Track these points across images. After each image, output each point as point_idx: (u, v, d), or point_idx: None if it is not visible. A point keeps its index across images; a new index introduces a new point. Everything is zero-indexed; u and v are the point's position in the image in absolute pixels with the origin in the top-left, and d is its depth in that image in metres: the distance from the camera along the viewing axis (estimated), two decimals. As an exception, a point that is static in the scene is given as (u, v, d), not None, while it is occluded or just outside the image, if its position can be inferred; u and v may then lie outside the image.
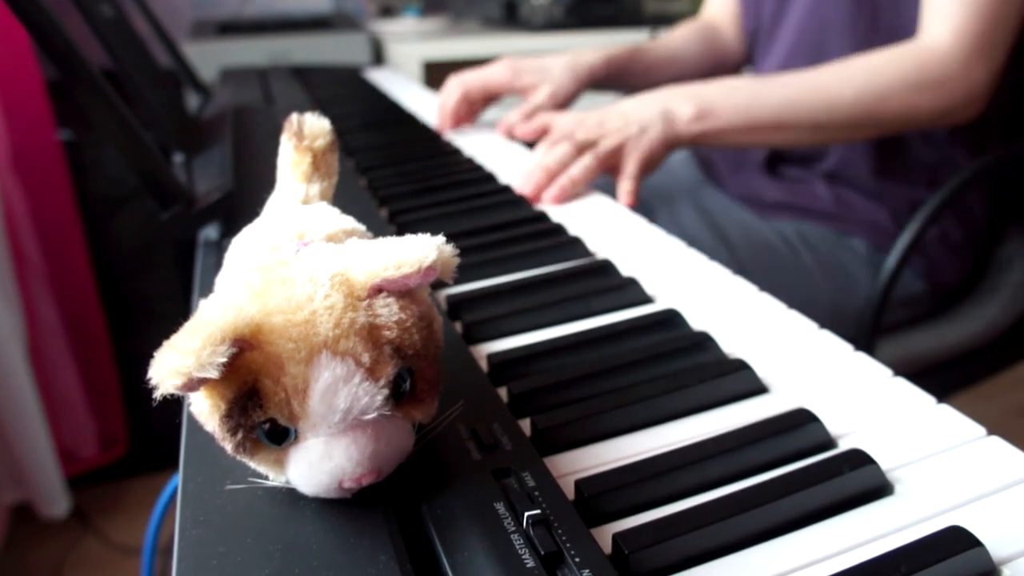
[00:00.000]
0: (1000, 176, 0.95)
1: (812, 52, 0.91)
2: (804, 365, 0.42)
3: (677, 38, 1.08)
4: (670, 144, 0.76)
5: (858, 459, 0.32)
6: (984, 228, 0.93)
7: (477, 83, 0.95)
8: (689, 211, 0.93)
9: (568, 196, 0.70)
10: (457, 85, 0.96)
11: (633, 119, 0.75)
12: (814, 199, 0.89)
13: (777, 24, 0.96)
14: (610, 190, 0.75)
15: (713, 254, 0.83)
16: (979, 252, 0.94)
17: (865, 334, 0.79)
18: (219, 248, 0.58)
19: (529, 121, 0.85)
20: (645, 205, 0.68)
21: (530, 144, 0.91)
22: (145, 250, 1.43)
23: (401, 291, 0.29)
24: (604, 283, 0.51)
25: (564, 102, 0.95)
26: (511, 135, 0.91)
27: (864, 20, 0.86)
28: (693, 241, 0.85)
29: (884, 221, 0.86)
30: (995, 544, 0.28)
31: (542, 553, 0.27)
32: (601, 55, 0.98)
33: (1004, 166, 0.90)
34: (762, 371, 0.40)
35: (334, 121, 0.42)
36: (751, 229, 0.88)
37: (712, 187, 1.01)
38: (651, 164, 0.76)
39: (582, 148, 0.73)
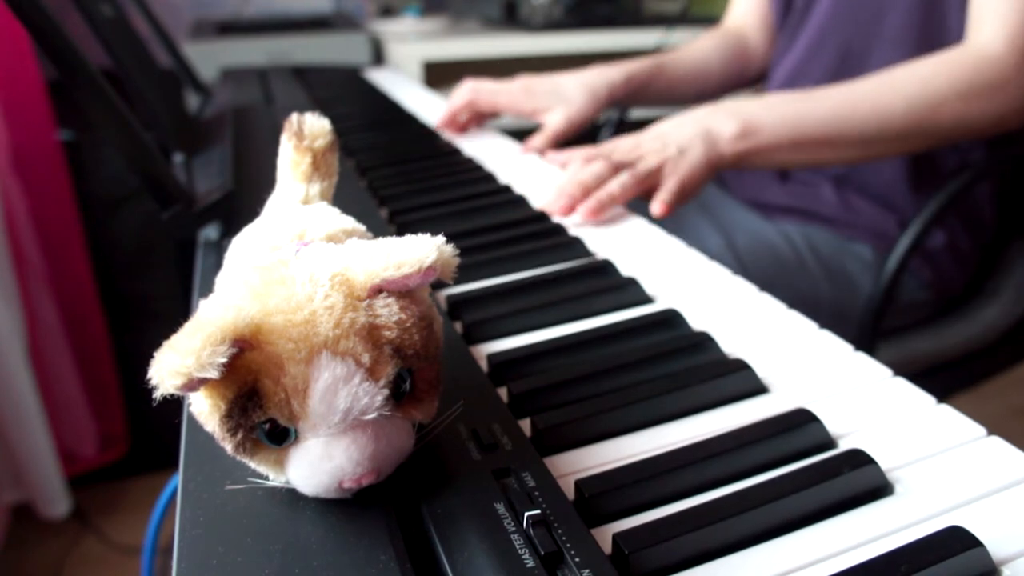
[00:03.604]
0: (1011, 181, 0.94)
1: (842, 38, 0.89)
2: (804, 365, 0.42)
3: (699, 50, 1.05)
4: (712, 165, 0.70)
5: (858, 459, 0.32)
6: (992, 237, 0.92)
7: (487, 97, 0.93)
8: (693, 212, 0.93)
9: (605, 212, 0.65)
10: (467, 92, 0.93)
11: (671, 140, 0.70)
12: (820, 203, 0.89)
13: (807, 13, 0.94)
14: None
15: (717, 255, 0.83)
16: (984, 258, 0.94)
17: (866, 335, 0.79)
18: (219, 248, 0.58)
19: (558, 154, 0.78)
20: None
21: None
22: (145, 250, 1.43)
23: (401, 291, 0.29)
24: (604, 283, 0.51)
25: (581, 126, 0.92)
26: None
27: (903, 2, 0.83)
28: (697, 242, 0.85)
29: (891, 229, 0.85)
30: (995, 544, 0.28)
31: (542, 553, 0.27)
32: (621, 72, 0.95)
33: (1013, 169, 0.89)
34: (762, 371, 0.40)
35: (334, 121, 0.42)
36: (756, 231, 0.88)
37: (717, 190, 1.00)
38: (691, 187, 0.70)
39: (618, 167, 0.68)
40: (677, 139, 0.70)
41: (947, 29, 0.81)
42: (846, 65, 0.89)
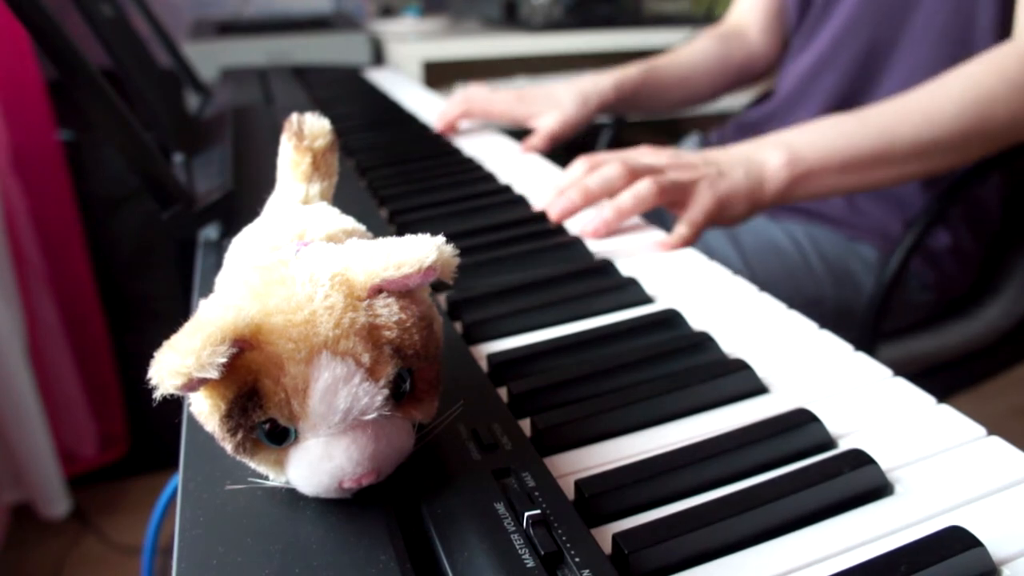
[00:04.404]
0: (1021, 184, 0.93)
1: (867, 34, 0.87)
2: (804, 365, 0.42)
3: (692, 52, 1.04)
4: (754, 199, 0.65)
5: (858, 459, 0.32)
6: (995, 239, 0.92)
7: (481, 105, 0.94)
8: None
9: (612, 231, 0.59)
10: (462, 101, 0.95)
11: (713, 160, 0.65)
12: (826, 204, 0.88)
13: (827, 10, 0.93)
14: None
15: (723, 254, 0.83)
16: (987, 259, 0.93)
17: (867, 335, 0.79)
18: (219, 248, 0.58)
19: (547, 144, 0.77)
20: None
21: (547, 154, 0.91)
22: (145, 250, 1.43)
23: (401, 291, 0.29)
24: (604, 283, 0.51)
25: (574, 129, 0.93)
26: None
27: None
28: (702, 241, 0.85)
29: (896, 229, 0.85)
30: (995, 544, 0.28)
31: (542, 553, 0.27)
32: (610, 81, 0.95)
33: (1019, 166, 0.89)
34: (762, 371, 0.40)
35: (334, 121, 0.42)
36: (761, 230, 0.88)
37: None
38: (723, 214, 0.64)
39: (638, 174, 0.61)
40: (718, 160, 0.65)
41: (977, 25, 0.80)
42: (871, 60, 0.88)
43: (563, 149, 0.84)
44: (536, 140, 0.90)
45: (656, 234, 0.61)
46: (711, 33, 1.07)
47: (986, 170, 0.84)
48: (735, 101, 1.36)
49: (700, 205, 0.61)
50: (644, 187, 0.60)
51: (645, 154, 0.66)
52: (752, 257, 0.84)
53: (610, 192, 0.61)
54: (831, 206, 0.88)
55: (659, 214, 0.66)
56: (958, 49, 0.74)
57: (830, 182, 0.68)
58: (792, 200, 0.68)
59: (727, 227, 0.67)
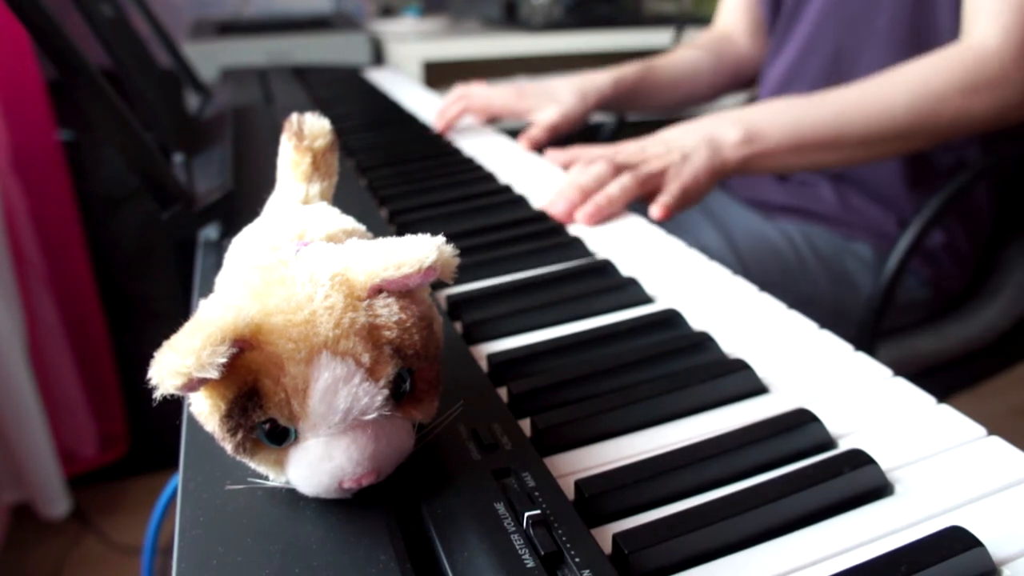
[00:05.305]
0: (1009, 180, 0.94)
1: (833, 39, 0.89)
2: (804, 365, 0.42)
3: (687, 55, 1.06)
4: (716, 172, 0.71)
5: (858, 459, 0.32)
6: (990, 235, 0.92)
7: (480, 101, 0.95)
8: (694, 212, 0.93)
9: (604, 216, 0.65)
10: (460, 98, 0.96)
11: (676, 146, 0.71)
12: (820, 203, 0.89)
13: (796, 15, 0.94)
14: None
15: (718, 254, 0.83)
16: (983, 257, 0.94)
17: (866, 335, 0.79)
18: (219, 248, 0.58)
19: (559, 152, 0.80)
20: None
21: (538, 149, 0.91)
22: (145, 250, 1.43)
23: (401, 291, 0.29)
24: (604, 283, 0.51)
25: (572, 124, 0.94)
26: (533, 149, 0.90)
27: None
28: (697, 241, 0.85)
29: (890, 228, 0.86)
30: (995, 544, 0.28)
31: (542, 553, 0.27)
32: (609, 78, 0.97)
33: (1012, 168, 0.89)
34: (762, 371, 0.40)
35: (334, 121, 0.42)
36: (756, 230, 0.88)
37: (717, 189, 1.00)
38: (694, 193, 0.70)
39: (620, 169, 0.68)
40: (681, 145, 0.71)
41: (936, 27, 0.81)
42: (838, 66, 0.89)
43: (561, 143, 0.85)
44: (535, 132, 0.91)
45: (641, 220, 0.65)
46: (699, 42, 1.08)
47: (983, 176, 0.84)
48: (733, 101, 1.36)
49: (672, 188, 0.69)
50: (627, 179, 0.67)
51: (621, 152, 0.72)
52: (748, 257, 0.84)
53: (601, 186, 0.67)
54: (824, 204, 0.88)
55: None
56: (921, 53, 0.76)
57: (782, 161, 0.73)
58: (749, 173, 0.74)
59: (698, 202, 0.72)
